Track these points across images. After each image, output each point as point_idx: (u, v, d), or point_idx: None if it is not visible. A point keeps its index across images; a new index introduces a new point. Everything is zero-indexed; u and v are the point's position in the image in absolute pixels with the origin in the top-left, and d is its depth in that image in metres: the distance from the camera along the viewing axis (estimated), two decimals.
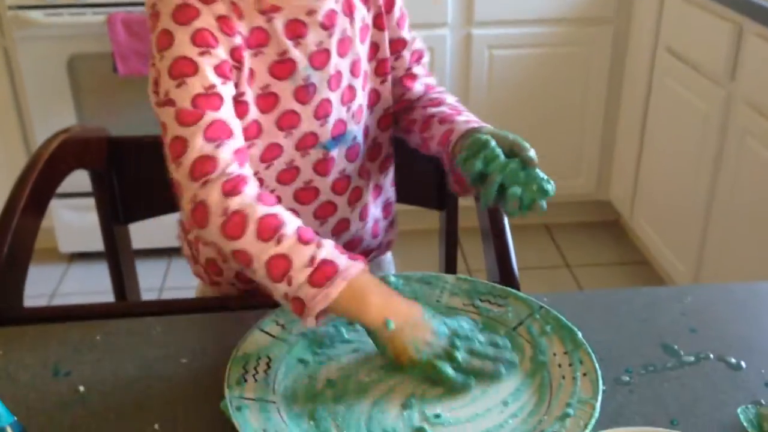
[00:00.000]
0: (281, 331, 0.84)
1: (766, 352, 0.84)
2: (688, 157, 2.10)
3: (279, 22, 0.92)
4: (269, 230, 0.80)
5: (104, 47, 2.23)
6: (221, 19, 0.88)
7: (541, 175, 0.86)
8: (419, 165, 1.11)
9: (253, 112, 0.94)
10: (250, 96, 0.93)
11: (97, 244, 1.24)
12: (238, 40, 0.89)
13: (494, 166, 0.87)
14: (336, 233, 1.08)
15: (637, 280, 2.44)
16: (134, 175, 1.19)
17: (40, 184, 1.04)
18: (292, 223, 0.81)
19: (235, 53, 0.89)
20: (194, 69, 0.85)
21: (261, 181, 0.99)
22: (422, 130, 1.02)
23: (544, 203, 0.85)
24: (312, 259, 0.78)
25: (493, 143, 0.88)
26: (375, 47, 1.03)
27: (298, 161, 1.00)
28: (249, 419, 0.71)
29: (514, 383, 0.78)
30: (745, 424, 0.72)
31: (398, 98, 1.08)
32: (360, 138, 1.05)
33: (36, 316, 0.99)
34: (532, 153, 0.88)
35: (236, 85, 0.91)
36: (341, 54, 0.98)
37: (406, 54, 1.07)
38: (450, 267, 1.27)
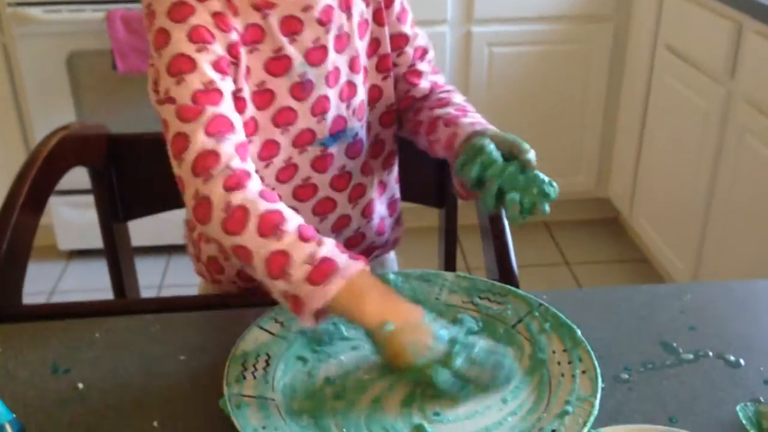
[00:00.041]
0: (280, 329, 0.84)
1: (765, 349, 0.84)
2: (687, 155, 2.10)
3: (274, 19, 0.92)
4: (270, 226, 0.79)
5: (103, 44, 2.22)
6: (216, 16, 0.88)
7: (542, 177, 0.85)
8: (419, 162, 1.11)
9: (250, 109, 0.94)
10: (247, 92, 0.93)
11: (97, 242, 1.24)
12: (234, 36, 0.89)
13: (491, 171, 0.86)
14: (336, 230, 1.07)
15: (636, 278, 2.44)
16: (133, 173, 1.19)
17: (39, 181, 1.04)
18: (293, 220, 0.81)
19: (231, 49, 0.89)
20: (192, 66, 0.85)
21: (261, 179, 0.99)
22: (428, 132, 1.01)
23: (546, 206, 0.84)
24: (311, 256, 0.77)
25: (489, 147, 0.87)
26: (376, 43, 1.03)
27: (295, 158, 1.00)
28: (248, 417, 0.71)
29: (513, 381, 0.78)
30: (744, 421, 0.72)
31: (403, 95, 1.07)
32: (362, 135, 1.04)
33: (35, 313, 0.99)
34: (531, 155, 0.86)
35: (234, 81, 0.91)
36: (339, 50, 0.98)
37: (409, 50, 1.05)
38: (449, 264, 1.27)
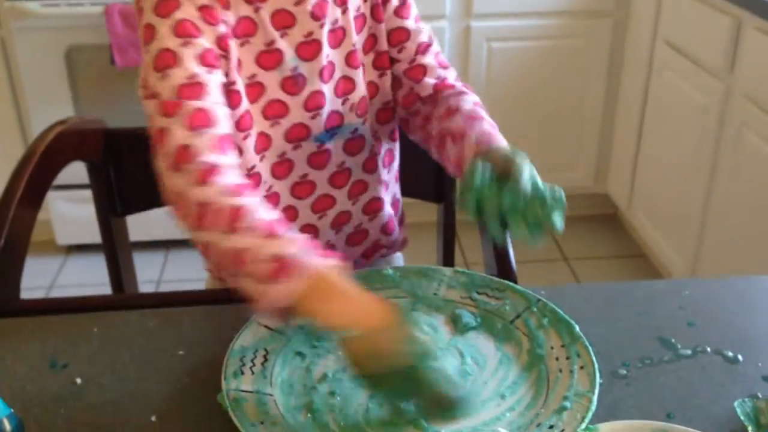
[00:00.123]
0: (279, 325, 0.84)
1: (763, 345, 0.84)
2: (686, 151, 2.10)
3: (266, 12, 0.92)
4: (231, 222, 0.76)
5: (102, 39, 2.22)
6: (203, 9, 0.88)
7: (543, 190, 0.80)
8: (417, 157, 1.11)
9: (245, 102, 0.94)
10: (241, 85, 0.93)
11: (95, 237, 1.24)
12: (222, 29, 0.89)
13: (488, 204, 0.81)
14: (336, 226, 1.07)
15: (634, 274, 2.45)
16: (131, 167, 1.19)
17: (36, 175, 1.04)
18: (258, 216, 0.77)
19: (220, 42, 0.89)
20: (176, 60, 0.85)
21: (258, 175, 0.99)
22: (439, 149, 0.97)
23: (557, 221, 0.80)
24: (273, 254, 0.74)
25: (481, 176, 0.82)
26: (373, 39, 1.02)
27: (289, 154, 0.99)
28: (246, 412, 0.71)
29: (511, 376, 0.78)
30: (741, 417, 0.72)
31: (407, 93, 1.04)
32: (363, 131, 1.03)
33: (33, 308, 0.99)
34: (522, 181, 0.81)
35: (226, 75, 0.91)
36: (333, 45, 0.98)
37: (410, 45, 1.02)
38: (448, 260, 1.27)
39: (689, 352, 0.83)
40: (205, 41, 0.87)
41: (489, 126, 0.92)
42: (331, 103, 0.99)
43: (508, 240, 1.04)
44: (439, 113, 0.99)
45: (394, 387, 0.71)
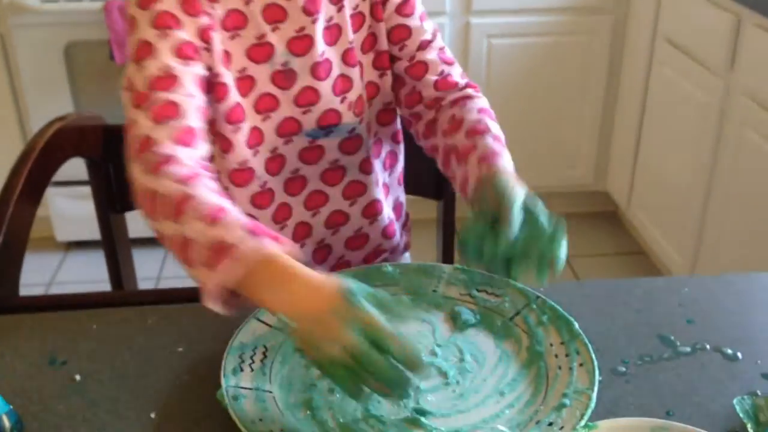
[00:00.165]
0: (278, 321, 0.84)
1: (762, 343, 0.84)
2: (686, 148, 2.10)
3: (257, 6, 0.93)
4: (177, 209, 0.76)
5: (101, 35, 2.21)
6: (184, 1, 0.88)
7: (544, 230, 0.78)
8: (417, 154, 1.11)
9: (235, 95, 0.94)
10: (229, 78, 0.93)
11: (94, 233, 1.23)
12: (204, 20, 0.90)
13: (487, 257, 0.79)
14: (331, 226, 1.06)
15: (634, 271, 2.45)
16: None
17: (35, 172, 1.04)
18: (203, 203, 0.76)
19: (202, 34, 0.90)
20: (151, 52, 0.86)
21: (251, 170, 0.99)
22: (444, 165, 0.96)
23: (560, 255, 0.79)
24: (209, 239, 0.73)
25: (473, 235, 0.80)
26: (372, 38, 1.01)
27: (281, 149, 0.99)
28: (245, 409, 0.71)
29: (510, 373, 0.78)
30: (741, 414, 0.72)
31: (410, 92, 1.02)
32: (360, 131, 1.03)
33: (32, 304, 0.99)
34: (511, 230, 0.79)
35: (209, 68, 0.91)
36: (329, 42, 0.97)
37: (412, 43, 1.01)
38: (447, 257, 1.27)
39: (688, 349, 0.83)
40: (184, 33, 0.88)
41: (492, 141, 0.90)
42: (328, 101, 0.99)
43: None
44: (443, 126, 0.97)
45: (342, 374, 0.67)
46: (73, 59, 2.28)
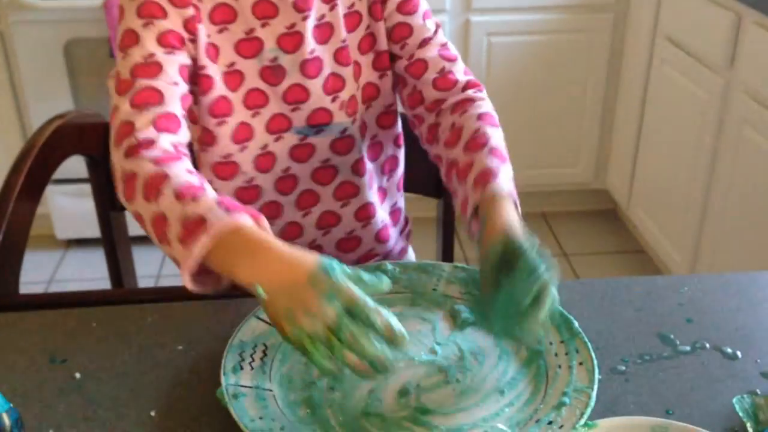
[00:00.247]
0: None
1: (762, 342, 0.84)
2: (685, 147, 2.10)
3: (247, 1, 0.93)
4: (153, 189, 0.77)
5: (101, 32, 2.21)
6: None
7: (538, 273, 0.73)
8: (416, 153, 1.11)
9: (220, 88, 0.95)
10: (214, 71, 0.94)
11: (94, 231, 1.24)
12: (190, 11, 0.91)
13: (491, 325, 0.78)
14: (323, 227, 1.06)
15: (633, 270, 2.45)
16: None
17: (35, 170, 1.04)
18: (177, 181, 0.77)
19: (188, 25, 0.91)
20: (136, 40, 0.88)
21: (235, 165, 0.99)
22: (447, 178, 0.94)
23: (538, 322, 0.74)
24: (183, 214, 0.73)
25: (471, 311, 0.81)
26: (371, 38, 1.00)
27: (271, 146, 0.99)
28: (245, 407, 0.71)
29: (510, 372, 0.78)
30: (740, 413, 0.72)
31: (411, 92, 1.01)
32: (352, 131, 1.02)
33: (33, 302, 0.99)
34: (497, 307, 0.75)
35: (194, 59, 0.92)
36: (320, 40, 0.97)
37: (412, 41, 1.00)
38: (447, 255, 1.27)
39: (688, 348, 0.83)
40: (169, 23, 0.89)
41: (489, 157, 0.88)
42: (318, 99, 0.98)
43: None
44: (444, 135, 0.96)
45: (319, 350, 0.65)
46: (73, 56, 2.28)
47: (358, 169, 1.05)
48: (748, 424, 0.71)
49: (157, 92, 0.86)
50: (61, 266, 2.49)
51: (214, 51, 0.94)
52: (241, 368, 0.76)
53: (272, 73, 0.96)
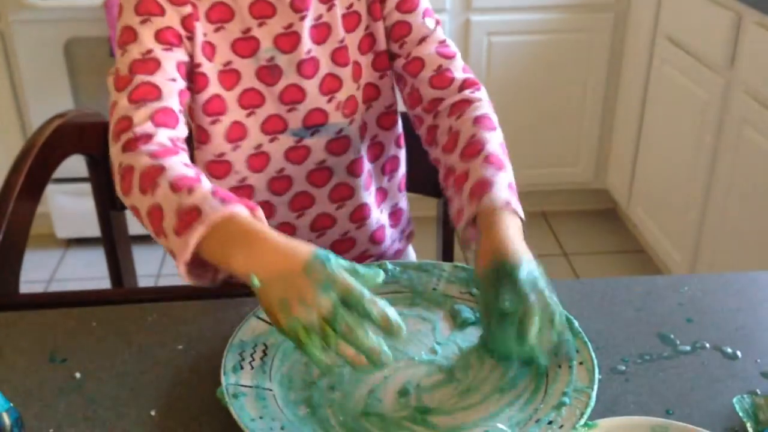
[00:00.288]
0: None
1: (762, 342, 0.84)
2: (686, 146, 2.10)
3: (245, 0, 0.93)
4: (148, 181, 0.78)
5: (101, 31, 2.21)
6: None
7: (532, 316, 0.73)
8: (416, 152, 1.11)
9: (215, 87, 0.95)
10: (209, 69, 0.94)
11: (94, 230, 1.24)
12: (188, 9, 0.91)
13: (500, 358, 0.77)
14: (317, 229, 1.06)
15: (633, 269, 2.45)
16: None
17: (35, 169, 1.04)
18: (171, 173, 0.77)
19: (185, 22, 0.91)
20: (134, 37, 0.89)
21: (228, 164, 0.99)
22: (444, 182, 0.93)
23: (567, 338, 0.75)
24: (178, 205, 0.73)
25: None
26: (371, 38, 1.00)
27: (266, 146, 0.99)
28: (245, 406, 0.71)
29: (510, 372, 0.78)
30: (740, 413, 0.72)
31: (411, 91, 1.00)
32: (349, 132, 1.02)
33: (33, 302, 0.99)
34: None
35: (191, 56, 0.93)
36: (317, 41, 0.97)
37: (411, 39, 0.99)
38: (447, 255, 1.27)
39: (688, 348, 0.83)
40: (167, 20, 0.90)
41: (484, 166, 0.86)
42: (314, 99, 0.98)
43: None
44: (442, 139, 0.95)
45: (315, 341, 0.65)
46: (73, 56, 2.28)
47: (353, 170, 1.04)
48: (748, 424, 0.71)
49: (155, 88, 0.87)
50: (61, 265, 2.49)
51: (210, 49, 0.94)
52: (241, 368, 0.76)
53: (269, 73, 0.96)
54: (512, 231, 0.80)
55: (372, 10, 0.99)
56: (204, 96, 0.95)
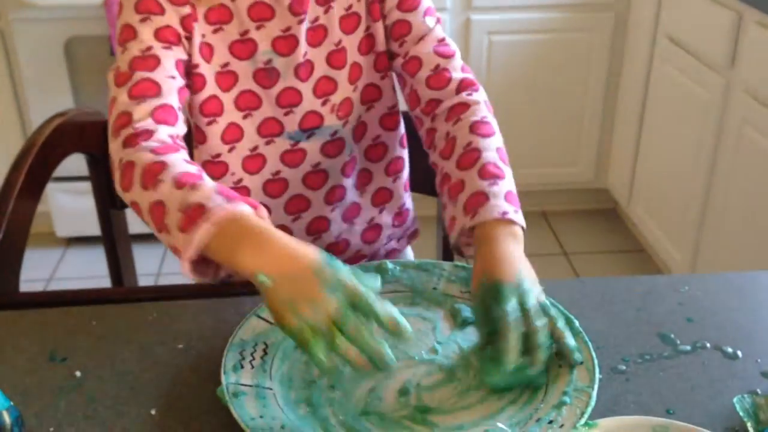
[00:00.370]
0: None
1: (762, 341, 0.84)
2: (686, 146, 2.10)
3: (243, 3, 0.93)
4: (151, 177, 0.77)
5: (102, 30, 2.21)
6: None
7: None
8: (416, 152, 1.11)
9: (211, 88, 0.95)
10: (207, 70, 0.94)
11: (94, 229, 1.24)
12: (186, 10, 0.91)
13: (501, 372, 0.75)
14: (313, 233, 1.06)
15: (634, 269, 2.45)
16: None
17: (36, 168, 1.04)
18: (174, 169, 0.77)
19: (184, 22, 0.91)
20: (134, 34, 0.89)
21: (224, 164, 0.99)
22: (440, 188, 0.93)
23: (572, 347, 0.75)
24: (183, 202, 0.73)
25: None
26: (371, 39, 1.00)
27: (262, 149, 0.99)
28: (245, 406, 0.71)
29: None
30: (740, 413, 0.72)
31: (410, 91, 1.00)
32: (344, 134, 1.02)
33: (33, 300, 0.99)
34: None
35: (189, 57, 0.93)
36: (313, 43, 0.97)
37: (411, 39, 0.98)
38: (447, 254, 1.27)
39: (688, 347, 0.83)
40: (166, 19, 0.90)
41: (479, 177, 0.86)
42: (308, 102, 0.98)
43: None
44: (440, 144, 0.94)
45: (319, 342, 0.65)
46: (73, 55, 2.28)
47: (346, 171, 1.05)
48: (749, 424, 0.71)
49: (155, 84, 0.87)
50: (61, 264, 2.49)
51: (208, 50, 0.94)
52: (242, 367, 0.76)
53: (266, 76, 0.96)
54: (504, 247, 0.80)
55: (372, 11, 0.99)
56: (201, 97, 0.95)
